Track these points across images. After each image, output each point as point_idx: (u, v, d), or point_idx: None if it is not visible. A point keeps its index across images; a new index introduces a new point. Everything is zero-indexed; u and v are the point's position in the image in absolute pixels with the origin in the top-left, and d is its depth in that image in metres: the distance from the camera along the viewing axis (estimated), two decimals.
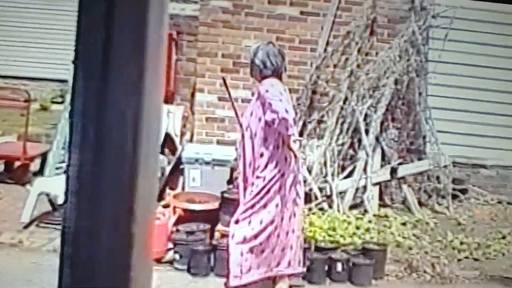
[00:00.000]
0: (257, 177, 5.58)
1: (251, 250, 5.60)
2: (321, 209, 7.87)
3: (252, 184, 5.59)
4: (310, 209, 7.77)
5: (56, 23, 13.77)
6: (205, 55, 8.85)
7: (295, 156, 5.46)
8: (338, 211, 7.81)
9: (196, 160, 7.79)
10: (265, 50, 5.77)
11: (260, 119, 5.54)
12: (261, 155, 5.56)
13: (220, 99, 8.71)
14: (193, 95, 8.91)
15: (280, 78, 5.77)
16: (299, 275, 6.02)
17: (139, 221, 1.00)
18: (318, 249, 6.66)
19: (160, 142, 1.04)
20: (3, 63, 13.80)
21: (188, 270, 6.46)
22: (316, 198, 7.99)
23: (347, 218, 7.59)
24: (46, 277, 6.31)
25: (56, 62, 12.57)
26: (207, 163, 7.76)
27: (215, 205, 6.99)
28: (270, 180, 5.54)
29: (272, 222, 5.57)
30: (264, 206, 5.55)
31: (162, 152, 8.12)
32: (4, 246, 6.85)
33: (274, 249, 5.65)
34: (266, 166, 5.54)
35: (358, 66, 8.69)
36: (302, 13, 8.94)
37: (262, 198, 5.55)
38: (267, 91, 5.52)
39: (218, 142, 8.76)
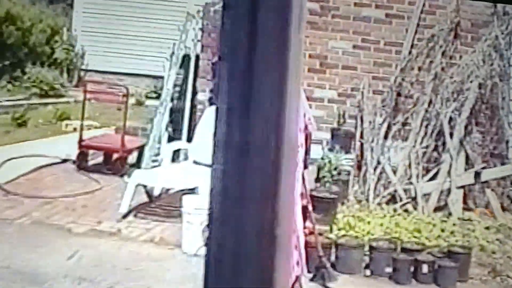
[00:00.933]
0: None
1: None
2: (406, 210, 8.00)
3: None
4: (395, 210, 7.94)
5: (151, 20, 13.94)
6: None
7: None
8: (423, 213, 7.93)
9: None
10: None
11: None
12: None
13: (307, 98, 8.93)
14: None
15: None
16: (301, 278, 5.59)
17: (282, 224, 1.01)
18: (404, 250, 6.78)
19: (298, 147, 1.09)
20: (101, 59, 14.14)
21: None
22: (401, 199, 8.13)
23: (432, 220, 7.69)
24: (143, 265, 6.66)
25: (151, 59, 12.79)
26: None
27: (303, 202, 7.23)
28: None
29: None
30: None
31: None
32: (104, 234, 7.17)
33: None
34: None
35: (442, 69, 8.79)
36: (387, 15, 9.09)
37: None
38: None
39: None
